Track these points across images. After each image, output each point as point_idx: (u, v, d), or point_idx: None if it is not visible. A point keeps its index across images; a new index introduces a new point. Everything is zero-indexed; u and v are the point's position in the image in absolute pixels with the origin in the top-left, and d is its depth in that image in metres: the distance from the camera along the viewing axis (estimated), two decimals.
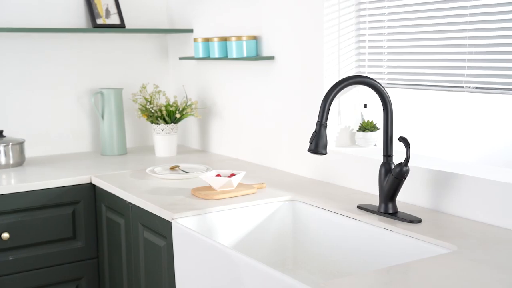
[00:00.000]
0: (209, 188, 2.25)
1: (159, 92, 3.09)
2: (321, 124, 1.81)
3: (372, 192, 2.18)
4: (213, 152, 3.13)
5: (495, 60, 1.88)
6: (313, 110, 2.42)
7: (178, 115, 3.01)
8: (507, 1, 1.83)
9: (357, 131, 2.42)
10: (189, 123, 3.30)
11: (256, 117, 2.79)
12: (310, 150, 1.82)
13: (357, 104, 2.46)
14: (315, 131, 1.81)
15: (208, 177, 2.21)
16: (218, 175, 2.26)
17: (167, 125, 3.02)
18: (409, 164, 1.89)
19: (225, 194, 2.17)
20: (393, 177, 1.87)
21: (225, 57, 2.80)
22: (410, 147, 1.84)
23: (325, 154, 1.81)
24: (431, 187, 1.98)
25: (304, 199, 2.16)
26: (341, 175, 2.33)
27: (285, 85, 2.58)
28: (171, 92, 3.41)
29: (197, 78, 3.20)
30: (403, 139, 1.84)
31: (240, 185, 2.28)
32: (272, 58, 2.62)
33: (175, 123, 3.05)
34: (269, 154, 2.72)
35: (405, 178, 1.87)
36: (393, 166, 1.90)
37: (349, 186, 2.29)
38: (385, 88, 1.93)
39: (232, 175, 2.26)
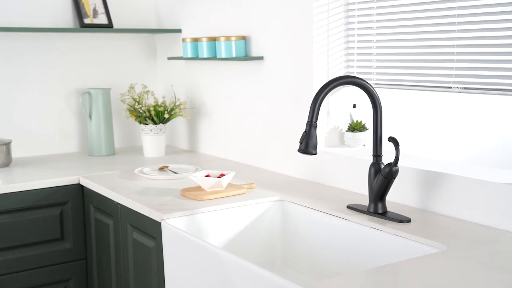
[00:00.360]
0: (199, 188, 2.24)
1: (147, 92, 3.07)
2: (311, 124, 1.81)
3: (361, 192, 2.19)
4: (202, 153, 3.12)
5: (483, 61, 1.89)
6: (302, 110, 2.42)
7: (166, 115, 3.00)
8: (495, 2, 1.84)
9: (346, 131, 2.43)
10: (178, 123, 3.29)
11: (245, 117, 2.78)
12: (300, 150, 1.82)
13: (346, 104, 2.46)
14: (305, 131, 1.81)
15: (198, 178, 2.21)
16: (207, 176, 2.26)
17: (155, 125, 3.01)
18: (398, 164, 1.90)
19: (215, 195, 2.16)
20: (382, 177, 1.88)
21: (214, 57, 2.80)
22: (400, 147, 1.85)
23: (315, 154, 1.82)
24: (420, 187, 1.98)
25: (294, 199, 2.16)
26: (331, 175, 2.33)
27: (274, 85, 2.58)
28: (159, 92, 3.40)
29: (186, 78, 3.19)
30: (392, 139, 1.85)
31: (229, 185, 2.27)
32: (261, 58, 2.62)
33: (163, 123, 3.04)
34: (259, 154, 2.71)
35: (394, 178, 1.88)
36: (382, 166, 1.91)
37: (339, 186, 2.30)
38: (375, 89, 1.93)
39: (222, 175, 2.26)
